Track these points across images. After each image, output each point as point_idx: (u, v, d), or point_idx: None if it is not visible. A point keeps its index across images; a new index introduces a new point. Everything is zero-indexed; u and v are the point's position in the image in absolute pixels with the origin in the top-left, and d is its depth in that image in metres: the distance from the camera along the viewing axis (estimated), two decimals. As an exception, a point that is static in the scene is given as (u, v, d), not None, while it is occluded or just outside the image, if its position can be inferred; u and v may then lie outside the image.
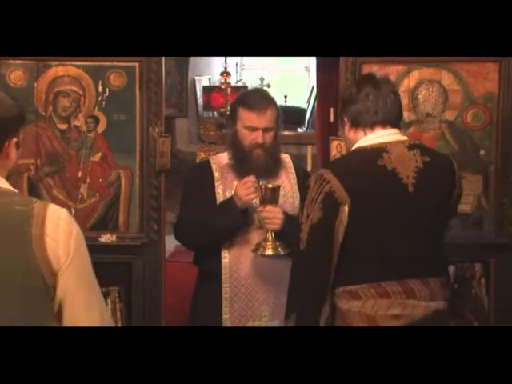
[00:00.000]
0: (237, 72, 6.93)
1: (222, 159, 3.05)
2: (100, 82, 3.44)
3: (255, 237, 2.88)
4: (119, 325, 3.50)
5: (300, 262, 2.37)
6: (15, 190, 1.97)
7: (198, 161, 5.39)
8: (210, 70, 6.85)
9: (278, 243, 2.79)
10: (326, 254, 2.29)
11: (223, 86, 6.04)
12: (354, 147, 2.42)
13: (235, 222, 2.84)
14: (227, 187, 2.95)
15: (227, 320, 2.90)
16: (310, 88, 6.73)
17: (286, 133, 5.74)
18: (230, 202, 2.84)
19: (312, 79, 6.74)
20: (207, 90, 6.48)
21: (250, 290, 2.92)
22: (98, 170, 3.47)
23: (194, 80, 6.75)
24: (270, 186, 2.78)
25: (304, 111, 6.71)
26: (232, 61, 6.56)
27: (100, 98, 3.45)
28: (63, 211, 1.93)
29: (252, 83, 6.29)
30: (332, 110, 4.41)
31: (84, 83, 3.44)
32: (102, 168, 3.47)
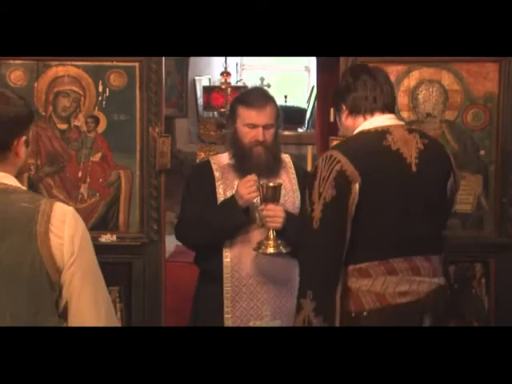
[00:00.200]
0: (237, 72, 6.93)
1: (222, 159, 3.05)
2: (100, 82, 3.44)
3: (256, 236, 2.88)
4: (119, 325, 3.50)
5: (314, 240, 2.40)
6: (24, 188, 2.00)
7: (198, 161, 5.39)
8: (210, 70, 6.85)
9: (279, 242, 2.79)
10: (340, 231, 2.34)
11: (223, 86, 6.03)
12: (357, 130, 2.49)
13: (237, 220, 2.84)
14: (228, 187, 2.95)
15: (229, 320, 2.90)
16: (310, 88, 6.73)
17: (286, 133, 5.74)
18: (231, 200, 2.85)
19: (312, 79, 6.74)
20: (207, 89, 6.47)
21: (251, 289, 2.92)
22: (98, 170, 3.47)
23: (194, 80, 6.75)
24: (271, 184, 2.79)
25: (304, 111, 6.71)
26: (232, 61, 6.56)
27: (100, 98, 3.45)
28: (69, 209, 1.97)
29: (252, 83, 6.27)
30: (332, 109, 4.41)
31: (84, 83, 3.44)
32: (102, 168, 3.47)
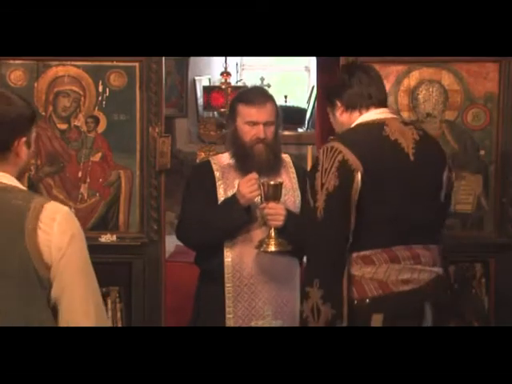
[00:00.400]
0: (237, 72, 6.93)
1: (222, 159, 3.05)
2: (100, 82, 3.44)
3: (257, 235, 2.89)
4: (119, 325, 3.50)
5: (319, 230, 2.43)
6: (22, 188, 1.99)
7: (198, 161, 5.38)
8: (210, 70, 6.85)
9: (280, 240, 2.79)
10: (344, 219, 2.38)
11: (223, 86, 6.03)
12: (355, 123, 2.55)
13: (239, 219, 2.84)
14: (228, 187, 2.95)
15: (231, 320, 2.91)
16: (310, 88, 6.72)
17: (286, 133, 5.73)
18: (232, 200, 2.85)
19: (312, 79, 6.73)
20: (207, 89, 6.47)
21: (252, 289, 2.92)
22: (98, 170, 3.47)
23: (194, 80, 6.74)
24: (272, 182, 2.79)
25: (304, 111, 6.71)
26: (232, 61, 6.55)
27: (100, 98, 3.45)
28: (62, 207, 1.95)
29: (252, 83, 6.27)
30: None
31: (84, 83, 3.44)
32: (102, 168, 3.47)
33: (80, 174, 3.46)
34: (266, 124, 2.90)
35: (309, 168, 4.50)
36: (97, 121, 3.46)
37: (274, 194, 2.79)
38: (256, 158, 2.90)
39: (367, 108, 2.54)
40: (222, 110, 5.88)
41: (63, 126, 3.46)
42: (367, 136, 2.49)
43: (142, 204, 3.48)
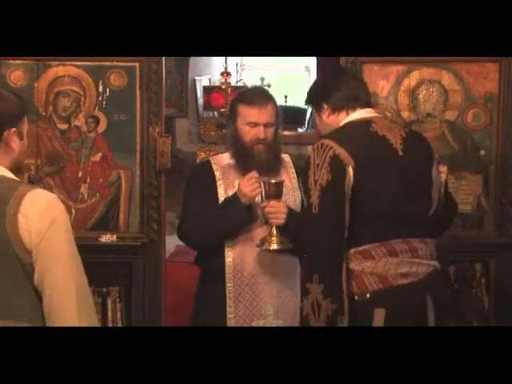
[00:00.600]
0: (237, 72, 6.93)
1: (222, 159, 3.05)
2: (100, 82, 3.44)
3: (258, 235, 2.88)
4: (119, 325, 3.50)
5: (315, 225, 2.46)
6: (12, 177, 2.01)
7: (198, 161, 5.38)
8: (210, 70, 6.85)
9: (282, 238, 2.79)
10: (339, 213, 2.40)
11: (223, 86, 6.03)
12: (343, 122, 2.59)
13: (240, 218, 2.85)
14: (229, 187, 2.95)
15: (232, 320, 2.90)
16: (310, 88, 6.71)
17: (286, 133, 5.73)
18: (233, 199, 2.85)
19: (312, 79, 6.73)
20: (207, 89, 6.47)
21: (254, 289, 2.92)
22: (98, 170, 3.47)
23: (194, 80, 6.74)
24: (273, 181, 2.80)
25: (304, 111, 6.71)
26: (232, 61, 6.55)
27: (100, 98, 3.45)
28: (47, 194, 1.99)
29: (252, 83, 6.26)
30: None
31: (84, 83, 3.44)
32: (103, 168, 3.47)
33: (80, 174, 3.46)
34: (266, 125, 2.91)
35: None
36: (97, 121, 3.46)
37: (275, 192, 2.80)
38: (256, 158, 2.90)
39: (354, 109, 2.59)
40: (222, 110, 5.88)
41: (63, 126, 3.46)
42: (356, 132, 2.53)
43: (142, 204, 3.48)
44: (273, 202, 2.80)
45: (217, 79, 6.60)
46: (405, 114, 3.45)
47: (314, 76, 6.53)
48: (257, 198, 2.86)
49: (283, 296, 2.93)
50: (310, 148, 5.64)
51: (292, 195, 2.99)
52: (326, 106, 2.62)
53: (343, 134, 2.53)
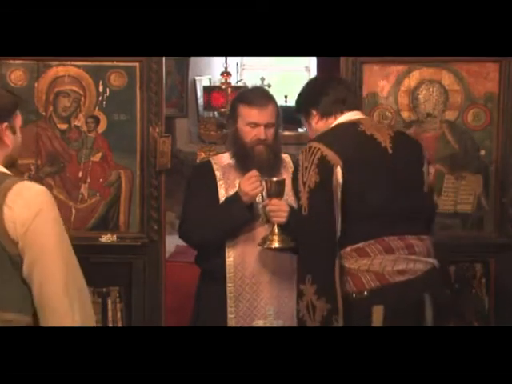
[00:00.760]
0: (237, 72, 6.93)
1: (222, 159, 3.05)
2: (100, 82, 3.44)
3: (259, 235, 2.88)
4: (119, 325, 3.50)
5: (305, 227, 2.50)
6: (2, 170, 2.02)
7: (198, 161, 5.38)
8: (211, 70, 6.85)
9: (284, 236, 2.79)
10: (328, 214, 2.43)
11: (223, 86, 6.03)
12: (331, 125, 2.63)
13: (242, 217, 2.85)
14: (230, 187, 2.95)
15: (232, 320, 2.90)
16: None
17: (286, 133, 5.73)
18: (235, 198, 2.85)
19: (312, 79, 6.73)
20: (207, 89, 6.47)
21: (254, 288, 2.92)
22: (98, 170, 3.47)
23: (194, 80, 6.75)
24: (274, 179, 2.80)
25: (304, 111, 6.70)
26: (232, 61, 6.56)
27: (100, 98, 3.45)
28: (35, 186, 2.00)
29: (252, 83, 6.27)
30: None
31: (84, 83, 3.44)
32: (103, 168, 3.47)
33: (80, 174, 3.46)
34: (266, 125, 2.91)
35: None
36: (97, 121, 3.46)
37: (277, 190, 2.80)
38: (256, 159, 2.90)
39: (342, 112, 2.63)
40: (223, 110, 5.88)
41: (63, 126, 3.46)
42: (344, 133, 2.57)
43: (142, 204, 3.48)
44: (274, 201, 2.80)
45: (217, 79, 6.60)
46: (405, 114, 3.45)
47: (314, 76, 6.52)
48: (258, 198, 2.86)
49: (284, 296, 2.93)
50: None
51: (292, 195, 2.99)
52: (314, 112, 2.67)
53: (331, 136, 2.56)
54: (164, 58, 3.45)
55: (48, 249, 1.95)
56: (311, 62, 6.80)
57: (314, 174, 2.44)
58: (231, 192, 2.92)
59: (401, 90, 3.44)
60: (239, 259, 2.91)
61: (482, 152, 3.45)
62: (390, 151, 2.52)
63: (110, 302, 3.50)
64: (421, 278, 2.46)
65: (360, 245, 2.45)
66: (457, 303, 3.40)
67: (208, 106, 6.43)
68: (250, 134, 2.91)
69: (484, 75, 3.42)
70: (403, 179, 2.54)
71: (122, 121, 3.46)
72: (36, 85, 3.43)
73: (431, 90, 3.44)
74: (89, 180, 3.47)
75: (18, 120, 2.10)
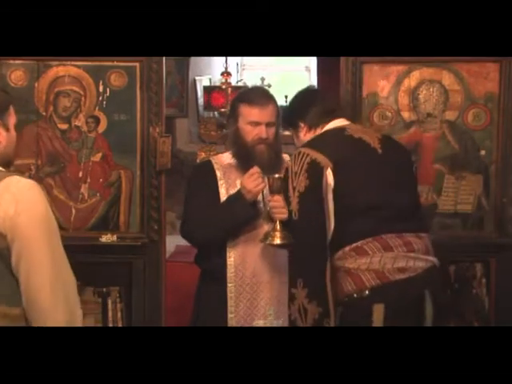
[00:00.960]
0: (237, 72, 6.93)
1: (223, 159, 3.06)
2: (101, 82, 3.44)
3: (259, 235, 2.88)
4: (119, 325, 3.50)
5: (296, 230, 2.53)
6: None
7: (198, 161, 5.38)
8: (211, 70, 6.85)
9: (285, 233, 2.79)
10: (318, 217, 2.46)
11: (224, 86, 6.03)
12: (319, 132, 2.68)
13: (246, 215, 2.85)
14: (230, 186, 2.96)
15: (233, 319, 2.91)
16: (311, 88, 6.72)
17: (286, 133, 5.73)
18: (238, 196, 2.86)
19: (312, 79, 6.73)
20: (208, 89, 6.47)
21: (255, 288, 2.93)
22: (98, 170, 3.47)
23: (194, 80, 6.75)
24: (276, 175, 2.80)
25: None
26: (232, 61, 6.56)
27: (101, 98, 3.45)
28: (25, 180, 2.01)
29: (253, 83, 6.27)
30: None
31: (84, 83, 3.44)
32: (103, 168, 3.47)
33: (80, 174, 3.46)
34: (267, 124, 2.92)
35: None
36: (97, 121, 3.46)
37: (279, 187, 2.80)
38: (257, 158, 2.90)
39: (328, 122, 2.68)
40: (223, 109, 5.88)
41: (64, 126, 3.46)
42: (332, 137, 2.61)
43: (142, 204, 3.48)
44: (276, 197, 2.79)
45: (217, 79, 6.60)
46: (405, 114, 3.45)
47: (314, 76, 6.53)
48: (259, 197, 2.87)
49: (284, 296, 2.92)
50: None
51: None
52: (302, 125, 2.72)
53: (319, 141, 2.60)
54: (164, 57, 3.45)
55: (35, 243, 1.97)
56: (311, 61, 6.80)
57: (304, 179, 2.47)
58: (232, 192, 2.92)
59: (401, 90, 3.44)
60: (240, 259, 2.91)
61: (483, 152, 3.45)
62: (380, 151, 2.56)
63: (110, 301, 3.50)
64: (421, 276, 2.46)
65: (358, 243, 2.45)
66: (457, 303, 3.40)
67: (208, 105, 6.43)
68: (251, 134, 2.91)
69: (484, 75, 3.42)
70: (395, 178, 2.57)
71: (123, 121, 3.46)
72: (36, 85, 3.43)
73: (431, 90, 3.44)
74: (89, 180, 3.46)
75: (12, 118, 2.12)
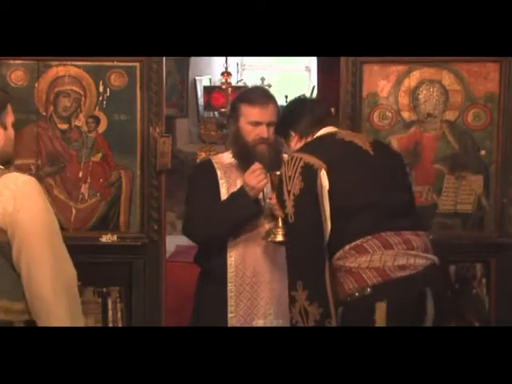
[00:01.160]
0: (237, 72, 6.93)
1: (223, 158, 3.06)
2: (101, 82, 3.44)
3: (260, 234, 2.89)
4: (119, 325, 3.50)
5: (293, 233, 2.54)
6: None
7: (198, 161, 5.38)
8: (211, 70, 6.85)
9: None
10: (315, 219, 2.47)
11: (224, 86, 6.03)
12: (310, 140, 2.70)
13: (249, 212, 2.85)
14: (231, 186, 2.95)
15: (233, 319, 2.91)
16: (311, 88, 6.72)
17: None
18: (241, 192, 2.85)
19: (312, 79, 6.73)
20: (208, 89, 6.47)
21: (255, 288, 2.93)
22: (98, 170, 3.47)
23: (194, 80, 6.75)
24: (278, 172, 2.80)
25: (304, 111, 6.69)
26: (233, 61, 6.56)
27: (101, 98, 3.45)
28: (21, 176, 2.04)
29: (253, 83, 6.27)
30: (333, 110, 4.41)
31: (85, 83, 3.44)
32: (103, 168, 3.47)
33: (81, 174, 3.46)
34: (268, 124, 2.92)
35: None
36: (97, 121, 3.46)
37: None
38: (258, 158, 2.90)
39: (319, 130, 2.69)
40: (223, 109, 5.88)
41: (64, 126, 3.46)
42: (323, 142, 2.64)
43: (142, 204, 3.48)
44: None
45: (217, 79, 6.60)
46: (405, 114, 3.45)
47: (314, 76, 6.53)
48: (259, 196, 2.87)
49: (284, 296, 2.92)
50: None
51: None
52: (293, 134, 2.73)
53: (311, 146, 2.63)
54: (164, 57, 3.45)
55: (35, 236, 1.99)
56: (311, 61, 6.80)
57: (299, 182, 2.48)
58: (232, 190, 2.92)
59: (401, 90, 3.44)
60: (240, 259, 2.91)
61: (483, 152, 3.45)
62: (372, 153, 2.58)
63: (110, 301, 3.50)
64: (422, 274, 2.46)
65: (358, 242, 2.46)
66: (457, 303, 3.40)
67: (208, 106, 6.43)
68: (252, 133, 2.92)
69: (484, 75, 3.42)
70: (388, 178, 2.59)
71: (123, 121, 3.46)
72: (36, 85, 3.43)
73: (431, 90, 3.44)
74: (89, 180, 3.47)
75: (10, 116, 2.14)
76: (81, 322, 2.05)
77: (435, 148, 3.45)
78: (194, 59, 6.69)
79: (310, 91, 6.71)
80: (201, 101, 6.66)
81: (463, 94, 3.43)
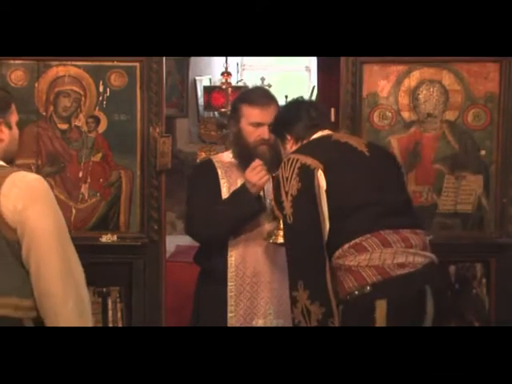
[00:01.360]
0: (237, 72, 6.93)
1: (223, 158, 3.06)
2: (101, 82, 3.44)
3: (260, 234, 2.89)
4: (119, 325, 3.50)
5: (292, 234, 2.55)
6: (3, 164, 2.08)
7: (198, 161, 5.38)
8: (211, 70, 6.85)
9: None
10: (313, 218, 2.47)
11: (224, 86, 6.03)
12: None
13: (251, 209, 2.85)
14: (232, 185, 2.95)
15: (232, 318, 2.91)
16: (311, 88, 6.72)
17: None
18: (242, 189, 2.85)
19: (312, 79, 6.73)
20: (208, 89, 6.47)
21: (255, 288, 2.93)
22: (98, 170, 3.47)
23: (194, 80, 6.75)
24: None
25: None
26: (233, 61, 6.56)
27: (101, 98, 3.45)
28: (29, 175, 2.06)
29: (253, 83, 6.27)
30: (333, 110, 4.42)
31: (85, 83, 3.44)
32: (103, 168, 3.47)
33: (81, 174, 3.46)
34: (270, 125, 2.91)
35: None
36: (97, 121, 3.46)
37: None
38: (259, 158, 2.90)
39: (314, 133, 2.70)
40: (223, 110, 5.88)
41: (64, 126, 3.46)
42: (319, 143, 2.66)
43: (142, 204, 3.48)
44: None
45: (217, 79, 6.60)
46: (405, 114, 3.45)
47: (314, 76, 6.53)
48: (260, 194, 2.87)
49: (284, 295, 2.92)
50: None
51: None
52: (289, 137, 2.74)
53: (307, 147, 2.64)
54: (164, 57, 3.45)
55: (43, 234, 2.00)
56: (311, 61, 6.80)
57: (296, 183, 2.49)
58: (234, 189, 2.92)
59: (401, 90, 3.44)
60: (240, 258, 2.91)
61: (483, 152, 3.45)
62: (367, 154, 2.60)
63: (110, 301, 3.50)
64: (421, 272, 2.46)
65: (357, 240, 2.46)
66: (457, 303, 3.40)
67: (208, 106, 6.43)
68: (253, 134, 2.91)
69: (484, 75, 3.42)
70: (384, 178, 2.61)
71: (123, 121, 3.46)
72: (36, 85, 3.43)
73: (431, 90, 3.44)
74: (89, 180, 3.47)
75: (14, 116, 2.16)
76: (89, 322, 2.05)
77: (435, 148, 3.45)
78: (193, 59, 6.69)
79: (310, 91, 6.71)
80: (201, 101, 6.66)
81: (463, 94, 3.43)
